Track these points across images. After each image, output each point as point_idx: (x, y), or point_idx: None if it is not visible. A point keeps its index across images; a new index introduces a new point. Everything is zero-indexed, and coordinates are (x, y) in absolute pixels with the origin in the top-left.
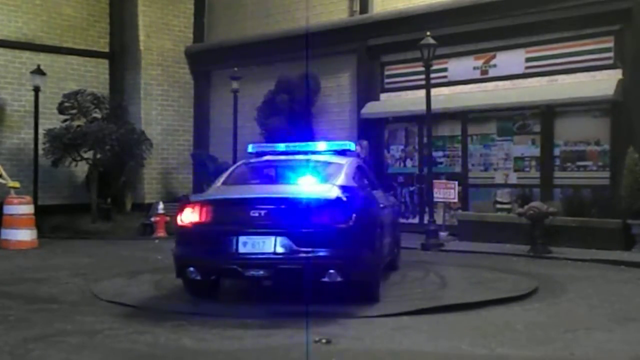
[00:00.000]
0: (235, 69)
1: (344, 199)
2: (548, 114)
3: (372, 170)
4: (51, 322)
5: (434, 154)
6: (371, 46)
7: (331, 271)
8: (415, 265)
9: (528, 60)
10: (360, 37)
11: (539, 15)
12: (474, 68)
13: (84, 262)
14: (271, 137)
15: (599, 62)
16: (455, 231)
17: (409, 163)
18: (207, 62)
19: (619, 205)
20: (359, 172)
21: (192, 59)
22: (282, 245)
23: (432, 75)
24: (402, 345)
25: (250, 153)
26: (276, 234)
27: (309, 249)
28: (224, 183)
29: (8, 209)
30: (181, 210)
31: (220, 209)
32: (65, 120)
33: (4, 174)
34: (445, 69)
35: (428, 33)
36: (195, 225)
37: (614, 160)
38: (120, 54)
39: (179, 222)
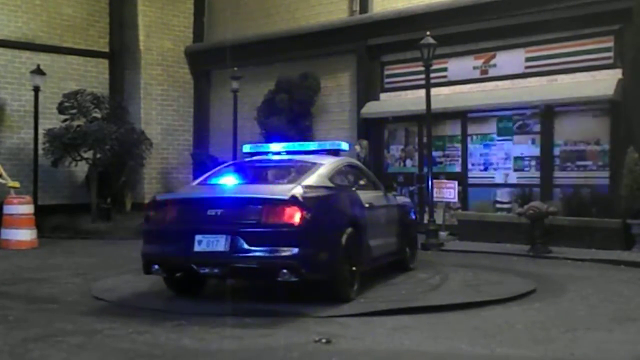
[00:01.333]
0: (235, 68)
1: (299, 198)
2: (548, 113)
3: (371, 170)
4: (51, 322)
5: (434, 153)
6: (371, 46)
7: (284, 271)
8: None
9: (528, 60)
10: (360, 37)
11: (539, 15)
12: (474, 68)
13: (84, 262)
14: (271, 137)
15: (598, 62)
16: (455, 231)
17: (409, 163)
18: (207, 61)
19: (619, 205)
20: (343, 171)
21: (192, 59)
22: (234, 244)
23: (432, 75)
24: (403, 345)
25: (245, 153)
26: (229, 233)
27: (261, 249)
28: (200, 183)
29: (8, 209)
30: (148, 209)
31: (180, 208)
32: (65, 120)
33: (3, 173)
34: (445, 69)
35: (428, 33)
36: (159, 223)
37: (614, 160)
38: (120, 54)
39: (145, 221)
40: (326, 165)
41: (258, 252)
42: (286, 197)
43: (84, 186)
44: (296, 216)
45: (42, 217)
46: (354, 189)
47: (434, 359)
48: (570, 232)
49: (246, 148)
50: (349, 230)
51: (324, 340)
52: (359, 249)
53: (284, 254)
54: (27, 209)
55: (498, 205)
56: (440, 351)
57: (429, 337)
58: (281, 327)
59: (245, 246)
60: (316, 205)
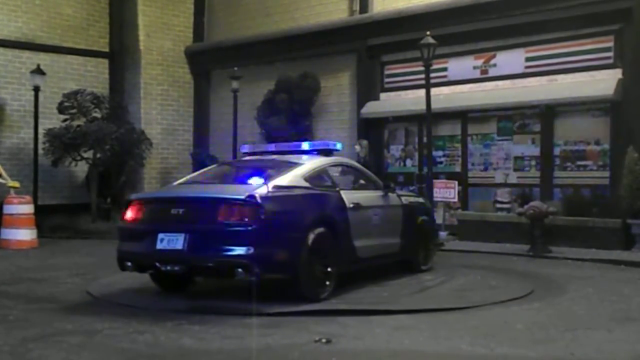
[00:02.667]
0: (235, 68)
1: (255, 199)
2: (548, 113)
3: (371, 170)
4: (51, 321)
5: (434, 153)
6: (371, 46)
7: (239, 270)
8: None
9: (528, 59)
10: (360, 37)
11: (539, 15)
12: (474, 67)
13: (84, 262)
14: (271, 136)
15: (598, 62)
16: (455, 231)
17: (409, 163)
18: (207, 61)
19: (619, 205)
20: (327, 172)
21: (192, 59)
22: (192, 243)
23: (432, 75)
24: (402, 345)
25: (244, 153)
26: (187, 232)
27: (216, 248)
28: (181, 182)
29: (8, 209)
30: (123, 207)
31: (149, 207)
32: (65, 120)
33: (3, 173)
34: (445, 69)
35: (428, 33)
36: (131, 221)
37: (614, 159)
38: (120, 54)
39: (120, 219)
40: (305, 165)
41: (213, 251)
42: (242, 197)
43: (84, 186)
44: (251, 216)
45: (42, 217)
46: (338, 189)
47: (434, 359)
48: (570, 232)
49: (244, 148)
50: (319, 230)
51: (324, 340)
52: (336, 249)
53: (238, 253)
54: (27, 208)
55: (498, 205)
56: (440, 351)
57: (429, 337)
58: (281, 327)
59: (202, 245)
60: (275, 205)
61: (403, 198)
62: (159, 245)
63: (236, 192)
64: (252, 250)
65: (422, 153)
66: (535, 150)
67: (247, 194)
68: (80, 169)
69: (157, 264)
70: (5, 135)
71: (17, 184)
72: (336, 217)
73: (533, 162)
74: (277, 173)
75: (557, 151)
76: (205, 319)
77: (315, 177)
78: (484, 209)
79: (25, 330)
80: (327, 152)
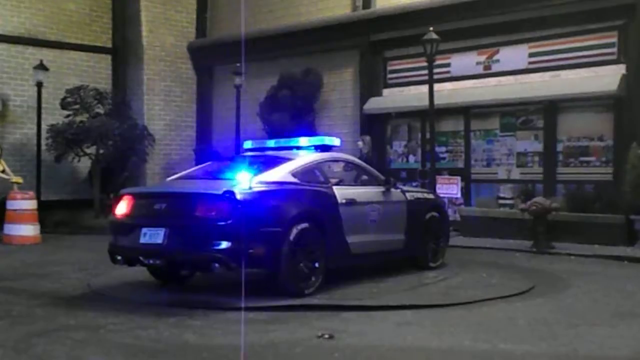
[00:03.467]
0: (238, 64)
1: (232, 195)
2: (551, 109)
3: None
4: (54, 317)
5: (437, 149)
6: (374, 41)
7: (215, 264)
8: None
9: (531, 55)
10: (363, 33)
11: (542, 11)
12: (477, 63)
13: (86, 257)
14: (274, 132)
15: (602, 58)
16: (458, 227)
17: (411, 159)
18: (210, 57)
19: (622, 201)
20: (320, 167)
21: (195, 54)
22: (170, 238)
23: (435, 71)
24: (405, 341)
25: (246, 149)
26: (167, 227)
27: (193, 242)
28: (175, 178)
29: (11, 205)
30: (115, 202)
31: (136, 202)
32: (68, 116)
33: (7, 169)
34: (448, 64)
35: (431, 28)
36: (120, 216)
37: (617, 155)
38: (123, 50)
39: (112, 213)
40: (295, 161)
41: (191, 245)
42: (219, 193)
43: (86, 182)
44: (228, 211)
45: (45, 213)
46: (330, 184)
47: (437, 355)
48: (573, 228)
49: (247, 144)
50: (303, 225)
51: (326, 336)
52: (324, 245)
53: (214, 247)
54: (30, 204)
55: (501, 201)
56: (443, 347)
57: (432, 332)
58: (285, 322)
59: (180, 239)
60: (255, 200)
61: (408, 194)
62: (142, 240)
63: (215, 187)
64: (228, 245)
65: (425, 149)
66: (539, 146)
67: (224, 189)
68: (83, 164)
69: (141, 258)
70: (9, 131)
71: (20, 180)
72: (324, 213)
73: (536, 158)
74: (266, 169)
75: (560, 147)
76: (208, 314)
77: (305, 173)
78: (487, 205)
79: (28, 325)
80: (326, 148)
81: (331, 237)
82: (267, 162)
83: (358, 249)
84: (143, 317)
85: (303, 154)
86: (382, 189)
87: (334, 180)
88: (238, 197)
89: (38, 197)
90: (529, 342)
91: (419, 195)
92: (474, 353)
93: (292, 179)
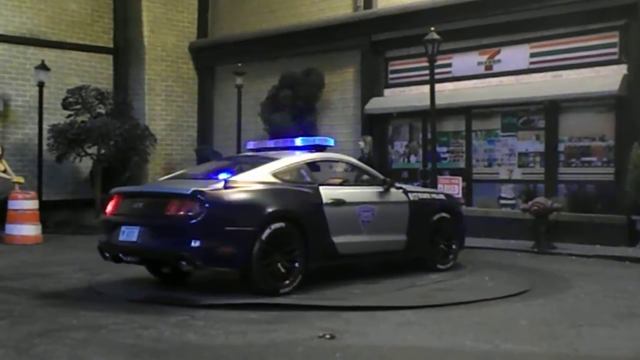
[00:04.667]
0: (239, 64)
1: (199, 194)
2: (552, 109)
3: (374, 166)
4: (56, 317)
5: (438, 149)
6: (375, 41)
7: (182, 262)
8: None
9: (532, 55)
10: (365, 33)
11: (544, 11)
12: (478, 63)
13: (88, 257)
14: (275, 132)
15: (603, 58)
16: None
17: (413, 159)
18: (211, 57)
19: (624, 201)
20: (306, 168)
21: (196, 55)
22: (143, 236)
23: (437, 71)
24: (406, 341)
25: (248, 149)
26: (140, 225)
27: (162, 240)
28: (167, 178)
29: (12, 204)
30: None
31: (120, 201)
32: (69, 116)
33: (8, 169)
34: (449, 65)
35: (432, 28)
36: (108, 214)
37: (619, 155)
38: (124, 50)
39: (103, 211)
40: (280, 161)
41: (160, 243)
42: (187, 193)
43: (88, 182)
44: (195, 210)
45: (47, 213)
46: (316, 184)
47: (438, 355)
48: (574, 228)
49: (250, 144)
50: (278, 225)
51: (327, 336)
52: (304, 245)
53: (180, 246)
54: (32, 204)
55: (502, 201)
56: (444, 347)
57: (433, 332)
58: (285, 322)
59: (151, 237)
60: (224, 200)
61: (412, 194)
62: (121, 237)
63: (186, 187)
64: (194, 243)
65: (426, 149)
66: (540, 147)
67: (192, 189)
68: (85, 164)
69: (120, 255)
70: (10, 131)
71: (21, 180)
72: (303, 213)
73: (537, 158)
74: (247, 169)
75: (561, 147)
76: (209, 314)
77: (289, 173)
78: (488, 205)
79: (30, 325)
80: (320, 148)
81: (314, 237)
82: (253, 162)
83: (347, 249)
84: (144, 317)
85: (289, 155)
86: (379, 189)
87: (335, 181)
88: (206, 197)
89: (39, 197)
90: (530, 342)
91: (425, 195)
92: (475, 353)
93: (272, 179)
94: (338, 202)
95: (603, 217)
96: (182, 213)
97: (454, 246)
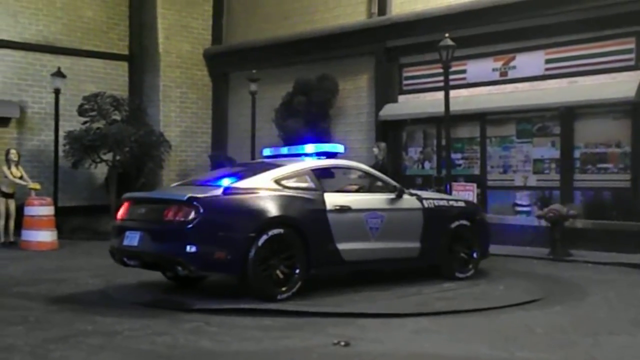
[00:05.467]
0: (254, 70)
1: (194, 200)
2: (568, 115)
3: (388, 172)
4: (71, 322)
5: (453, 156)
6: (389, 48)
7: (178, 267)
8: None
9: (548, 61)
10: (379, 39)
11: (559, 17)
12: (493, 70)
13: (103, 263)
14: (289, 139)
15: (619, 64)
16: None
17: (427, 165)
18: (226, 64)
19: None
20: (311, 174)
21: (211, 61)
22: (142, 240)
23: (451, 77)
24: (422, 348)
25: (265, 156)
26: (141, 230)
27: (159, 245)
28: (178, 184)
29: (29, 211)
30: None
31: (127, 206)
32: (85, 122)
33: (24, 175)
34: (464, 71)
35: (447, 34)
36: (118, 219)
37: (635, 162)
38: (140, 57)
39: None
40: (284, 167)
41: (158, 248)
42: (183, 199)
43: (103, 188)
44: (189, 216)
45: (62, 219)
46: (321, 191)
47: None
48: (590, 235)
49: (266, 151)
50: (275, 231)
51: (342, 343)
52: (305, 251)
53: (175, 250)
54: (48, 210)
55: (517, 208)
56: (460, 354)
57: (449, 340)
58: (299, 329)
59: (150, 242)
60: (220, 206)
61: (427, 201)
62: (125, 242)
63: (182, 194)
64: (189, 249)
65: (440, 155)
66: (555, 153)
67: (188, 195)
68: (100, 171)
69: (124, 259)
70: (26, 138)
71: (37, 186)
72: (303, 219)
73: (553, 165)
74: (250, 175)
75: (577, 154)
76: (223, 320)
77: (292, 180)
78: (503, 212)
79: (45, 331)
80: (331, 155)
81: (316, 243)
82: (260, 169)
83: (353, 256)
84: (159, 323)
85: (295, 162)
86: (390, 196)
87: (351, 187)
88: (201, 203)
89: (55, 203)
90: (546, 350)
91: (442, 203)
92: None
93: (273, 186)
94: (343, 209)
95: (619, 224)
96: (178, 219)
97: (475, 255)
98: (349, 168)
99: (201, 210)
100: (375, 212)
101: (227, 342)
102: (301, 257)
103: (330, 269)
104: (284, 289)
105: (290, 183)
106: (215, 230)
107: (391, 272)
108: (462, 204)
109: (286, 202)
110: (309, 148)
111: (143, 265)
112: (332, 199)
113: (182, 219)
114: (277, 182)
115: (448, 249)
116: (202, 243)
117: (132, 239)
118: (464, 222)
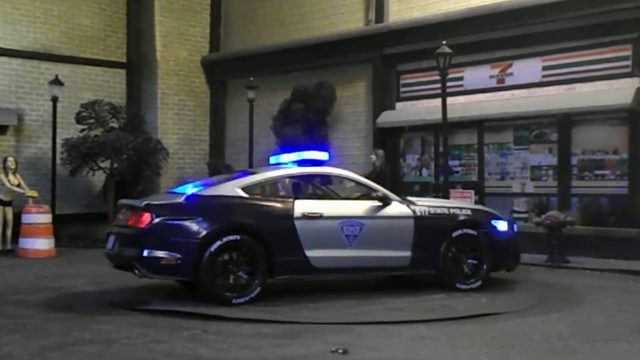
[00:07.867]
0: (251, 78)
1: (149, 206)
2: (565, 122)
3: (386, 180)
4: (69, 331)
5: (450, 162)
6: (387, 55)
7: (135, 271)
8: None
9: (545, 68)
10: (376, 46)
11: (556, 24)
12: (490, 77)
13: (101, 271)
14: (286, 146)
15: (616, 71)
16: None
17: (425, 172)
18: (223, 71)
19: (637, 215)
20: (283, 181)
21: (208, 69)
22: (114, 244)
23: (448, 84)
24: (420, 355)
25: (271, 164)
26: (114, 234)
27: (123, 249)
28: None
29: (26, 218)
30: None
31: (118, 212)
32: (82, 130)
33: (22, 183)
34: (461, 78)
35: (444, 42)
36: (111, 225)
37: (632, 169)
38: (137, 64)
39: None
40: (255, 175)
41: (121, 251)
42: (141, 206)
43: (101, 195)
44: (145, 222)
45: (60, 226)
46: (290, 199)
47: None
48: (588, 242)
49: (272, 160)
50: (231, 237)
51: (340, 351)
52: (266, 257)
53: (130, 254)
54: (45, 218)
55: (515, 215)
56: None
57: (447, 347)
58: (298, 337)
59: (119, 246)
60: (174, 212)
61: (420, 208)
62: (108, 246)
63: (143, 200)
64: (140, 253)
65: (438, 162)
66: (553, 160)
67: (145, 202)
68: (98, 178)
69: (110, 262)
70: (24, 145)
71: (35, 194)
72: (265, 226)
73: (550, 172)
74: (219, 182)
75: (574, 160)
76: (221, 328)
77: (260, 187)
78: None
79: (43, 339)
80: (317, 162)
81: (280, 250)
82: (237, 177)
83: (324, 263)
84: (157, 331)
85: (270, 169)
86: (375, 203)
87: (326, 195)
88: (154, 209)
89: (53, 211)
90: (544, 357)
91: (440, 210)
92: None
93: (239, 193)
94: (313, 216)
95: (617, 230)
96: (136, 224)
97: (485, 266)
98: (331, 175)
99: (154, 217)
100: (352, 220)
101: (225, 350)
102: (262, 264)
103: (298, 276)
104: (241, 294)
105: (258, 190)
106: (167, 236)
107: (388, 281)
108: (467, 211)
109: (247, 209)
110: (285, 157)
111: (116, 267)
112: (303, 206)
113: (138, 225)
114: (244, 189)
115: (450, 259)
116: (154, 248)
117: (110, 242)
118: (469, 230)
